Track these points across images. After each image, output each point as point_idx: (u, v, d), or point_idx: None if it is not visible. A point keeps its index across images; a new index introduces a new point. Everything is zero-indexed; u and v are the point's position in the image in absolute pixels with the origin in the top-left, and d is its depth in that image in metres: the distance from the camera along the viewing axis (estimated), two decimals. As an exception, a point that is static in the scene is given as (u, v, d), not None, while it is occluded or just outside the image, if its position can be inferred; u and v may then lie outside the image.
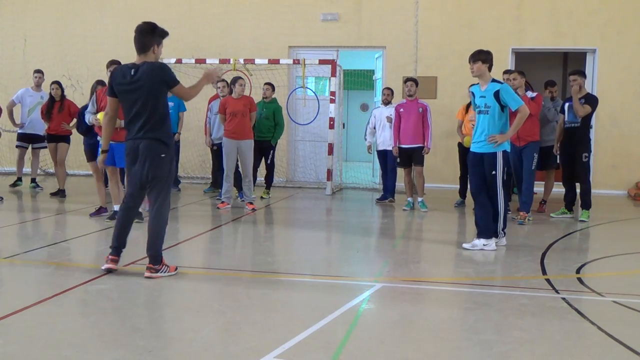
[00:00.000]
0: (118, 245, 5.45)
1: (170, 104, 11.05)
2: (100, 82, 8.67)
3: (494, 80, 6.64)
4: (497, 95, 6.51)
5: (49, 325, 4.12)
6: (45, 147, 10.99)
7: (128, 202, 5.48)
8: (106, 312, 4.44)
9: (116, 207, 8.02)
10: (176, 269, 5.44)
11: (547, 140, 9.08)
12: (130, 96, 5.23)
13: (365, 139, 10.79)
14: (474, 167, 6.79)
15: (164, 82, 5.21)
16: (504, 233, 6.84)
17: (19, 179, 11.20)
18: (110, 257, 5.41)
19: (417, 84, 9.73)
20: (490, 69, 6.66)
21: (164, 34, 5.34)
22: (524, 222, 8.37)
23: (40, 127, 10.90)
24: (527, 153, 8.50)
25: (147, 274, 5.27)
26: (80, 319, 4.34)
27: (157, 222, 5.36)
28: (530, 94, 8.53)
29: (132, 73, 5.20)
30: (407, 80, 9.80)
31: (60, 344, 3.79)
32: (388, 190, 10.37)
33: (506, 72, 9.15)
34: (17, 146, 11.16)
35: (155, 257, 5.32)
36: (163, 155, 5.23)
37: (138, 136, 5.23)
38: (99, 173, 8.32)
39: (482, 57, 6.58)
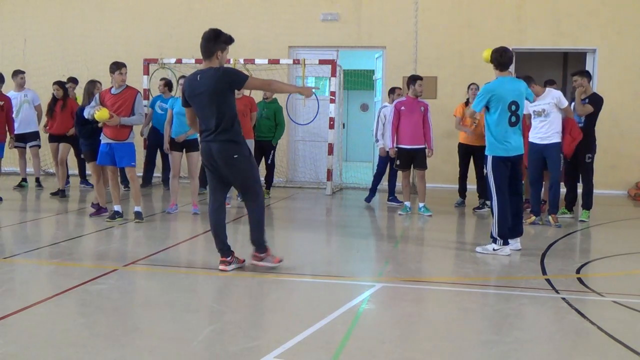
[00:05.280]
0: (222, 247, 5.62)
1: (165, 105, 11.07)
2: (92, 82, 8.59)
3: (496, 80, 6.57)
4: None
5: (49, 325, 4.12)
6: (39, 146, 11.05)
7: (212, 204, 5.66)
8: (106, 312, 4.44)
9: (117, 207, 8.03)
10: (280, 260, 5.64)
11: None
12: (198, 101, 5.41)
13: (377, 140, 10.04)
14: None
15: (228, 85, 5.35)
16: (502, 241, 6.46)
17: (24, 180, 11.22)
18: (221, 259, 5.59)
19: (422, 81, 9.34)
20: (498, 68, 6.55)
21: (228, 40, 5.48)
22: (560, 225, 8.22)
23: (30, 125, 10.99)
24: (552, 154, 8.23)
25: (253, 261, 5.59)
26: (80, 319, 4.34)
27: (257, 214, 5.59)
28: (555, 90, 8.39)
29: (198, 79, 5.39)
30: (417, 78, 9.21)
31: (60, 344, 3.79)
32: (391, 192, 10.26)
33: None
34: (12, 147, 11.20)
35: (260, 246, 5.59)
36: (236, 156, 5.38)
37: (209, 139, 5.41)
38: (98, 174, 8.32)
39: (489, 58, 6.57)
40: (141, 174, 10.88)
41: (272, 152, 10.52)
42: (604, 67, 12.25)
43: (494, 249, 6.47)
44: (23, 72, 11.24)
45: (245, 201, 5.78)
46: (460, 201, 10.17)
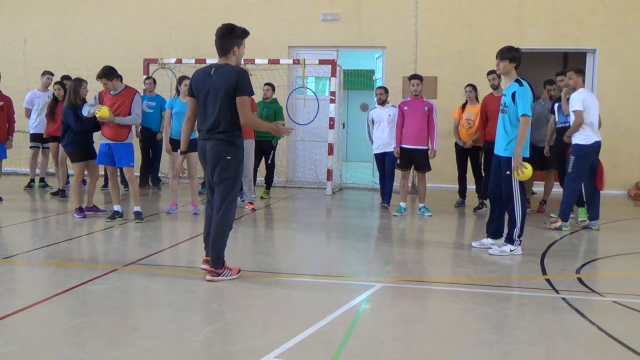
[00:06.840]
0: (207, 245, 5.46)
1: (152, 103, 11.09)
2: (78, 80, 8.39)
3: (516, 81, 6.48)
4: (514, 96, 6.40)
5: (49, 325, 4.13)
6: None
7: (209, 201, 5.44)
8: (106, 312, 4.44)
9: (116, 208, 8.03)
10: (239, 271, 5.37)
11: (545, 141, 9.05)
12: (204, 96, 5.20)
13: (372, 141, 9.97)
14: (493, 168, 6.76)
15: (233, 86, 5.08)
16: (520, 241, 6.57)
17: (33, 180, 11.25)
18: (205, 258, 5.48)
19: (421, 81, 9.24)
20: (517, 68, 6.51)
21: (242, 34, 5.25)
22: (561, 227, 8.06)
23: None
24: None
25: (208, 277, 5.24)
26: (80, 319, 4.33)
27: (220, 225, 5.24)
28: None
29: (212, 73, 5.18)
30: (411, 77, 9.28)
31: (60, 344, 3.79)
32: (385, 194, 10.13)
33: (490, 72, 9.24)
34: (31, 147, 11.22)
35: (216, 261, 5.25)
36: (229, 158, 5.16)
37: (206, 137, 5.21)
38: (81, 173, 8.34)
39: (510, 56, 6.44)
40: (137, 174, 10.89)
41: (272, 152, 10.52)
42: (604, 67, 12.25)
43: (511, 250, 6.51)
44: (52, 74, 11.28)
45: (215, 209, 5.30)
46: (460, 201, 10.16)
